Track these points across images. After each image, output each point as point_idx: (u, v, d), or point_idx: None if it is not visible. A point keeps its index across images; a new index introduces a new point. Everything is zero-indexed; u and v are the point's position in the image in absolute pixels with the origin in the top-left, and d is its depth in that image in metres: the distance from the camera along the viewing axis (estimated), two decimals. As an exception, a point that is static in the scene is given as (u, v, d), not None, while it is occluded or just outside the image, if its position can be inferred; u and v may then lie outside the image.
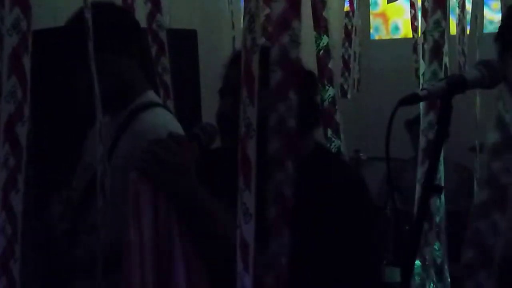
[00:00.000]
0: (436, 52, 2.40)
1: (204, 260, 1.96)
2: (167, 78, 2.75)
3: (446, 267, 2.79)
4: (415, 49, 4.42)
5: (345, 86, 4.31)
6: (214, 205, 1.93)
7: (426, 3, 2.82)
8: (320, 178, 1.99)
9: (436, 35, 2.40)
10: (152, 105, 2.45)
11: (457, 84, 1.74)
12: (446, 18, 2.43)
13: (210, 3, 5.27)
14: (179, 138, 2.01)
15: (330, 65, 3.19)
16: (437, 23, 2.39)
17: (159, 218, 1.97)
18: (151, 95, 2.49)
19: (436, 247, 2.74)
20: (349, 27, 4.37)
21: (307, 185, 1.94)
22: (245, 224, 1.61)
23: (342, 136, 3.11)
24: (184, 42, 4.25)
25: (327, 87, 3.13)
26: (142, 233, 1.95)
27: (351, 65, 4.30)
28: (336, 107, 3.13)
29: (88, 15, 2.08)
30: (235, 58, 2.01)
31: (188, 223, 1.95)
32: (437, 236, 2.75)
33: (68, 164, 2.61)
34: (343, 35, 4.41)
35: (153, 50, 2.76)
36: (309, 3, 3.21)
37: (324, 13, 3.23)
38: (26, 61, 1.76)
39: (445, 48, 2.50)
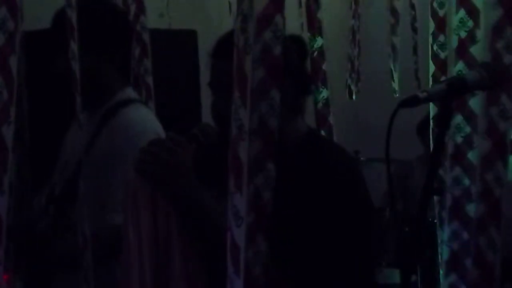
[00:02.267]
0: (462, 52, 2.36)
1: (202, 260, 1.96)
2: (149, 79, 2.79)
3: None
4: (415, 51, 4.42)
5: (352, 87, 4.31)
6: (213, 204, 1.93)
7: (434, 4, 2.81)
8: (314, 161, 1.99)
9: (462, 34, 2.37)
10: (131, 101, 2.46)
11: (457, 86, 1.73)
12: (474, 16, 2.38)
13: (211, 4, 5.26)
14: (177, 138, 2.00)
15: (324, 67, 3.19)
16: (462, 21, 2.36)
17: (158, 219, 1.96)
18: (129, 92, 2.50)
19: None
20: (356, 28, 4.37)
21: (301, 169, 1.95)
22: (236, 227, 1.59)
23: (335, 138, 3.11)
24: (185, 43, 4.24)
25: (321, 89, 3.13)
26: (141, 233, 1.95)
27: (355, 66, 4.31)
28: (330, 108, 3.13)
29: (71, 13, 2.08)
30: (220, 47, 2.01)
31: (187, 223, 1.95)
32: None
33: (49, 161, 2.61)
34: (351, 36, 4.41)
35: (136, 51, 2.78)
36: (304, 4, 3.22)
37: (318, 15, 3.23)
38: (13, 62, 1.73)
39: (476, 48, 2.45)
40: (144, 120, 2.41)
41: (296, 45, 2.06)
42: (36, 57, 3.04)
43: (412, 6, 4.50)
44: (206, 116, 2.10)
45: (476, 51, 2.35)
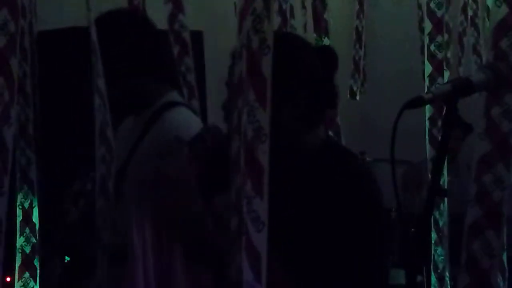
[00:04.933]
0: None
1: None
2: (191, 77, 2.74)
3: (447, 273, 2.76)
4: (422, 51, 4.41)
5: (355, 88, 4.30)
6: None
7: (431, 4, 2.81)
8: (331, 171, 1.97)
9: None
10: (175, 104, 2.45)
11: (463, 87, 1.73)
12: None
13: (217, 4, 5.26)
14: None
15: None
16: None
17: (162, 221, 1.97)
18: (174, 95, 2.49)
19: (438, 252, 2.72)
20: (360, 28, 4.36)
21: (317, 178, 1.95)
22: (256, 232, 1.54)
23: (343, 138, 3.11)
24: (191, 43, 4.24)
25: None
26: (145, 236, 1.95)
27: (361, 67, 4.30)
28: (337, 109, 3.13)
29: (93, 33, 2.08)
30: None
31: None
32: (440, 241, 2.72)
33: (81, 160, 2.62)
34: (354, 37, 4.40)
35: (176, 50, 2.74)
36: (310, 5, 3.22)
37: (325, 15, 3.23)
38: (14, 63, 1.72)
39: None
40: (188, 123, 2.38)
41: (324, 57, 2.01)
42: (49, 57, 3.05)
43: (420, 6, 4.49)
44: (212, 117, 2.11)
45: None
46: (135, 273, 1.94)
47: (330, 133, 3.13)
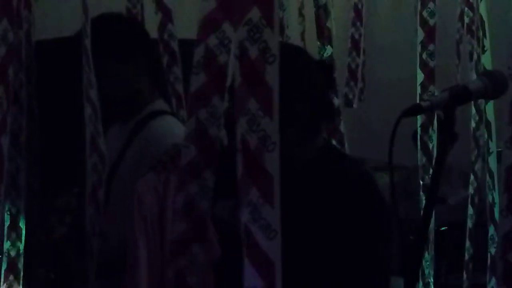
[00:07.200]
0: None
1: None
2: (179, 87, 2.75)
3: (431, 279, 2.76)
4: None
5: (350, 96, 4.29)
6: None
7: (424, 13, 2.82)
8: (328, 176, 1.99)
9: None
10: (161, 113, 2.45)
11: (461, 95, 1.73)
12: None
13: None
14: None
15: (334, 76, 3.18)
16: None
17: (165, 226, 1.97)
18: (160, 104, 2.50)
19: (425, 258, 2.72)
20: (356, 36, 4.36)
21: (316, 184, 1.95)
22: (268, 240, 1.52)
23: (347, 146, 3.11)
24: (190, 52, 4.24)
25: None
26: (149, 241, 1.96)
27: (358, 74, 4.29)
28: (341, 117, 3.12)
29: (87, 43, 2.09)
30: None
31: None
32: (426, 247, 2.72)
33: (68, 169, 2.62)
34: (349, 44, 4.40)
35: (165, 59, 2.75)
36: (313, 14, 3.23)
37: (327, 24, 3.23)
38: (11, 72, 1.73)
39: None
40: (173, 132, 2.40)
41: (324, 71, 2.05)
42: (46, 65, 3.06)
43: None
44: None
45: (485, 59, 2.34)
46: (139, 282, 1.94)
47: (334, 141, 3.13)
